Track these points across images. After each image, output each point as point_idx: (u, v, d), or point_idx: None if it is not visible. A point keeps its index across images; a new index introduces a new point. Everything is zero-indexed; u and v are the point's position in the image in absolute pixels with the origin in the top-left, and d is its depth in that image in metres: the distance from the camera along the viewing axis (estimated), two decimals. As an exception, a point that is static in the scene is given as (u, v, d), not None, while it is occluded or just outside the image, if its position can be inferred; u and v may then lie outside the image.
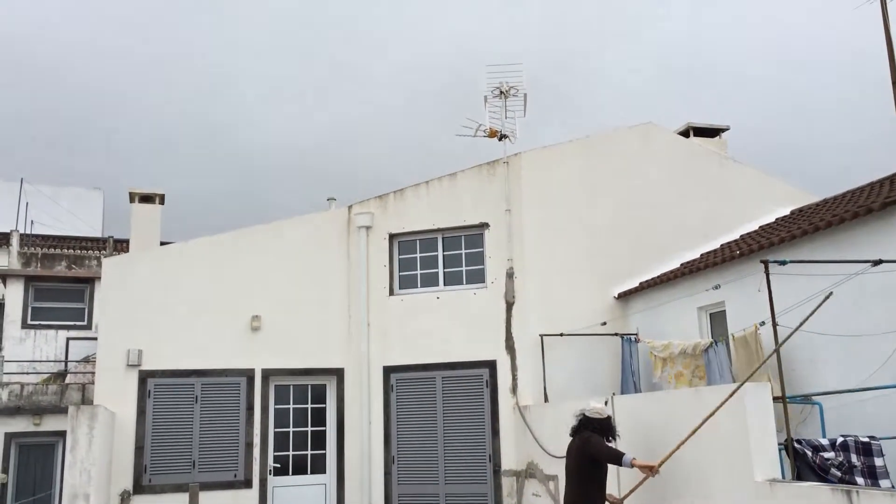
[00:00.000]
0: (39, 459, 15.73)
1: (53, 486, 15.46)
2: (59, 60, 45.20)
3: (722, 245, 11.80)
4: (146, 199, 15.75)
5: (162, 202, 15.80)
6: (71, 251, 19.79)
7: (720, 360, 9.25)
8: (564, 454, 9.54)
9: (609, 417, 7.74)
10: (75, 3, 46.38)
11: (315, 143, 47.15)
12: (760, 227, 11.96)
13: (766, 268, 7.44)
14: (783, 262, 7.74)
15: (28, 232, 20.90)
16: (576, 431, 7.75)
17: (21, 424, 15.42)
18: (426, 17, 49.49)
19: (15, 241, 19.74)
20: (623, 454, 7.31)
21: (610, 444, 7.58)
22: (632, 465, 7.18)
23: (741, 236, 11.85)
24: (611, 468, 7.83)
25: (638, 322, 11.62)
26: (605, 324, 11.67)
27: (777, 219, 11.94)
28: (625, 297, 11.90)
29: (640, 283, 11.63)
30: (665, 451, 7.51)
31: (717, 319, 10.33)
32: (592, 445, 7.48)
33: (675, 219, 12.32)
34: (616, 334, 11.55)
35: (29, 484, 15.56)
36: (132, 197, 15.83)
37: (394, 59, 48.86)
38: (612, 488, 7.97)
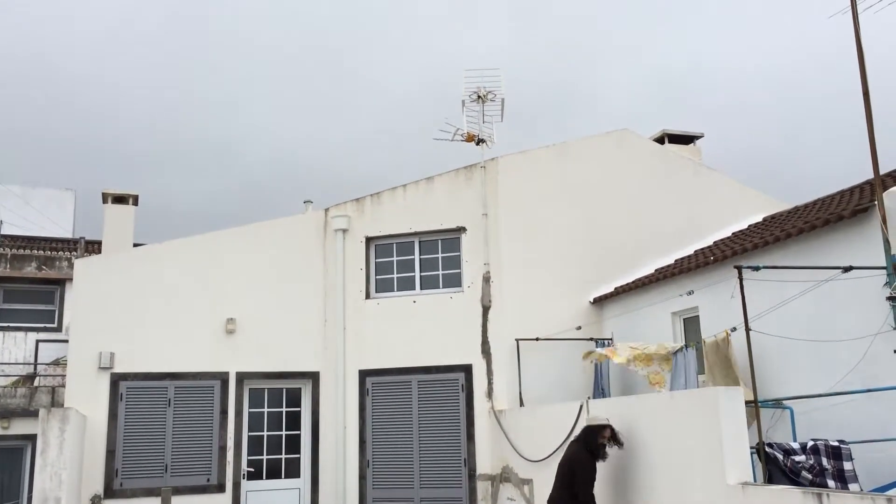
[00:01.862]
0: (7, 464, 15.44)
1: (22, 491, 15.20)
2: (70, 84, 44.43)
3: (696, 251, 11.93)
4: (119, 199, 15.55)
5: (135, 203, 15.61)
6: (41, 252, 19.48)
7: (688, 365, 9.34)
8: (539, 458, 9.61)
9: (602, 426, 7.73)
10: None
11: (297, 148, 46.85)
12: (734, 233, 12.12)
13: (740, 273, 7.54)
14: (756, 268, 7.85)
15: (-2, 233, 20.55)
16: (578, 438, 7.92)
17: (-12, 428, 15.13)
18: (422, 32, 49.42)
19: (-17, 241, 19.37)
20: (588, 497, 7.55)
21: (593, 470, 7.67)
22: None
23: (715, 242, 11.99)
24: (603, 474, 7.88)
25: (613, 327, 11.71)
26: (580, 328, 11.74)
27: (750, 225, 12.10)
28: (600, 302, 11.99)
29: (616, 289, 11.72)
30: (641, 454, 7.58)
31: (691, 324, 10.44)
32: (577, 463, 7.65)
33: (650, 224, 12.44)
34: (591, 339, 11.62)
35: (-5, 489, 15.27)
36: (105, 198, 15.62)
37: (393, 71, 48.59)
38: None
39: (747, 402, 6.82)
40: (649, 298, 11.02)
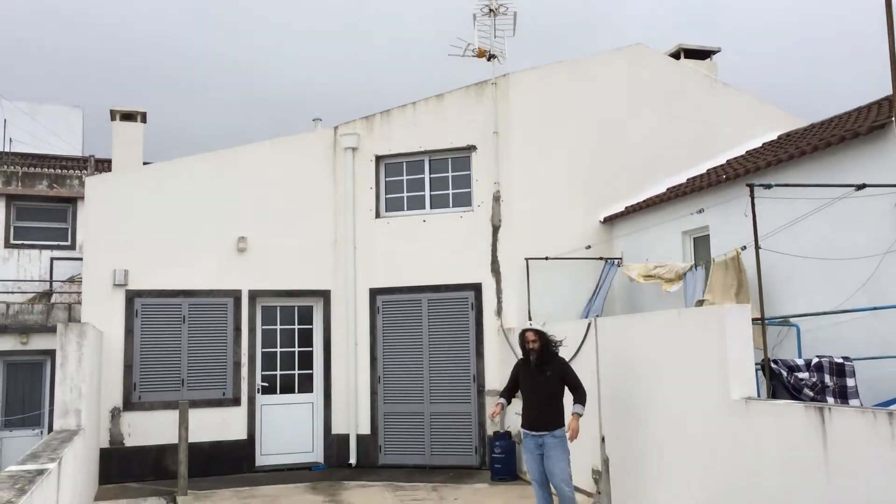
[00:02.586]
0: (28, 378, 15.89)
1: (43, 403, 15.67)
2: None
3: (708, 170, 11.81)
4: (127, 116, 15.46)
5: (144, 120, 15.51)
6: (52, 170, 19.49)
7: (696, 284, 9.38)
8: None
9: (524, 331, 7.64)
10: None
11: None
12: (747, 151, 11.96)
13: (752, 192, 7.48)
14: (768, 186, 7.78)
15: (7, 150, 20.53)
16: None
17: (8, 343, 15.52)
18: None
19: (-6, 160, 19.37)
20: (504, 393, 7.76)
21: (515, 373, 7.77)
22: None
23: (727, 161, 11.85)
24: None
25: (623, 246, 11.72)
26: (590, 247, 11.76)
27: (764, 143, 11.93)
28: (610, 221, 11.96)
29: (626, 208, 11.68)
30: (646, 373, 7.69)
31: (701, 244, 10.43)
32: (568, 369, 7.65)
33: (663, 142, 12.29)
34: (600, 258, 11.65)
35: (18, 401, 15.76)
36: (113, 115, 15.53)
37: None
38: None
39: (754, 320, 6.87)
40: (660, 217, 10.98)
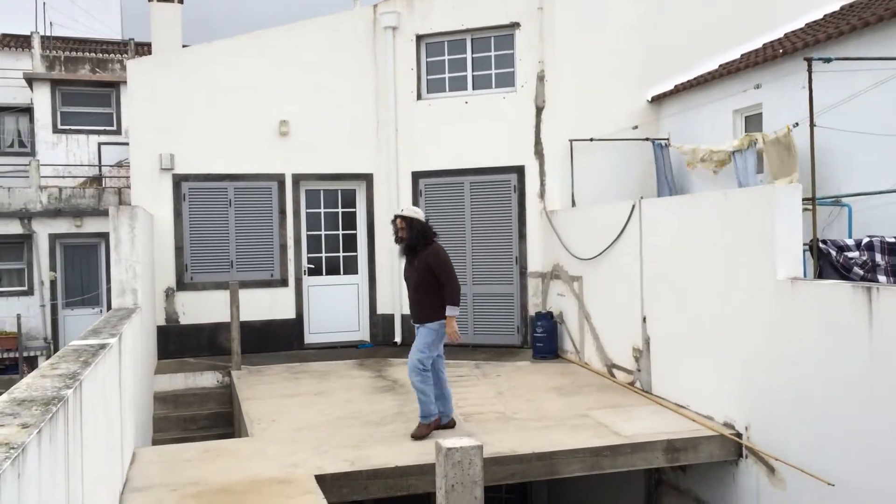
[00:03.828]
0: (83, 259, 16.49)
1: (100, 284, 16.31)
2: None
3: (764, 44, 11.27)
4: (164, -2, 15.17)
5: (181, 1, 15.24)
6: (93, 54, 19.48)
7: (748, 164, 9.15)
8: (589, 256, 9.80)
9: (394, 217, 7.16)
10: None
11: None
12: (807, 24, 11.34)
13: (809, 66, 7.15)
14: (828, 60, 7.42)
15: (48, 34, 20.49)
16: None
17: (63, 226, 16.05)
18: None
19: (36, 43, 19.41)
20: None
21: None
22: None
23: (785, 34, 11.28)
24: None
25: (670, 126, 11.42)
26: (636, 128, 11.49)
27: (825, 15, 11.28)
28: (658, 100, 11.61)
29: (675, 86, 11.29)
30: (690, 255, 7.65)
31: (752, 122, 10.10)
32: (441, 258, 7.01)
33: (715, 16, 11.69)
34: (647, 139, 11.39)
35: (76, 282, 16.45)
36: (150, -4, 15.27)
37: None
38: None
39: (804, 200, 6.72)
40: (710, 95, 10.62)
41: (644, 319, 8.50)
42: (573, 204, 11.25)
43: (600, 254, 9.51)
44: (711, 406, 7.31)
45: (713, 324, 7.28)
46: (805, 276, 6.57)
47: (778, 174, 8.56)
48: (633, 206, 8.82)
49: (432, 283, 6.83)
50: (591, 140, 11.25)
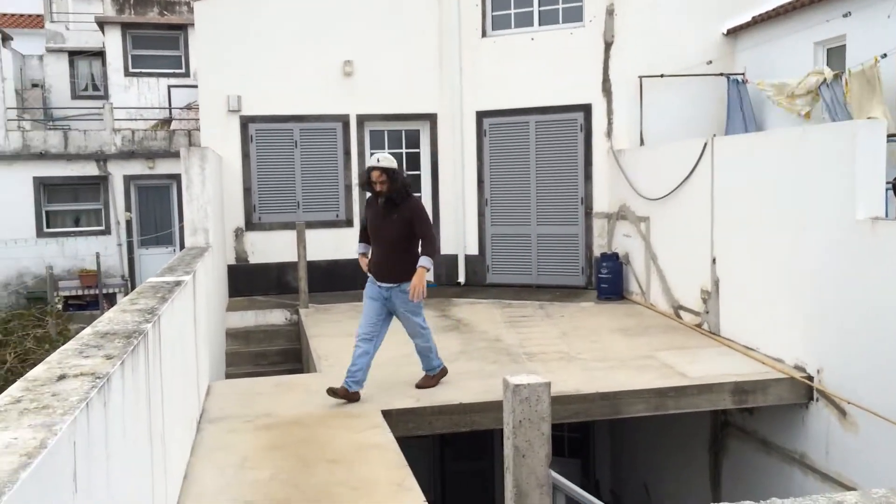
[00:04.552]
0: (156, 200, 16.99)
1: (173, 224, 16.80)
2: None
3: (849, -28, 10.62)
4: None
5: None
6: (160, -3, 19.69)
7: (836, 99, 8.72)
8: (657, 196, 9.59)
9: (369, 169, 6.44)
10: None
11: None
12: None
13: (900, -6, 6.71)
14: (920, -13, 6.95)
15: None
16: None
17: (136, 168, 16.51)
18: None
19: (106, -13, 19.70)
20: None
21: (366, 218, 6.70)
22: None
23: (873, -39, 10.60)
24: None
25: (746, 61, 10.94)
26: (710, 63, 11.05)
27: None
28: (734, 33, 11.11)
29: (753, 17, 10.76)
30: (764, 194, 7.41)
31: (834, 56, 9.60)
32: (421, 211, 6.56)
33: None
34: (721, 74, 10.96)
35: (150, 222, 16.98)
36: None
37: None
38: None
39: (889, 136, 6.40)
40: (791, 27, 10.10)
41: (714, 261, 8.33)
42: (641, 143, 10.98)
43: (669, 193, 9.29)
44: (782, 348, 7.16)
45: (787, 265, 7.07)
46: (887, 215, 6.31)
47: (861, 109, 8.15)
48: (705, 145, 8.56)
49: (411, 237, 6.38)
50: (662, 76, 10.89)
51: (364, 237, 6.78)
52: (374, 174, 6.32)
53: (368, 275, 6.54)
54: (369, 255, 6.67)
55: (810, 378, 6.73)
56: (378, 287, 6.45)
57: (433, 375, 6.76)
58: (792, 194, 6.98)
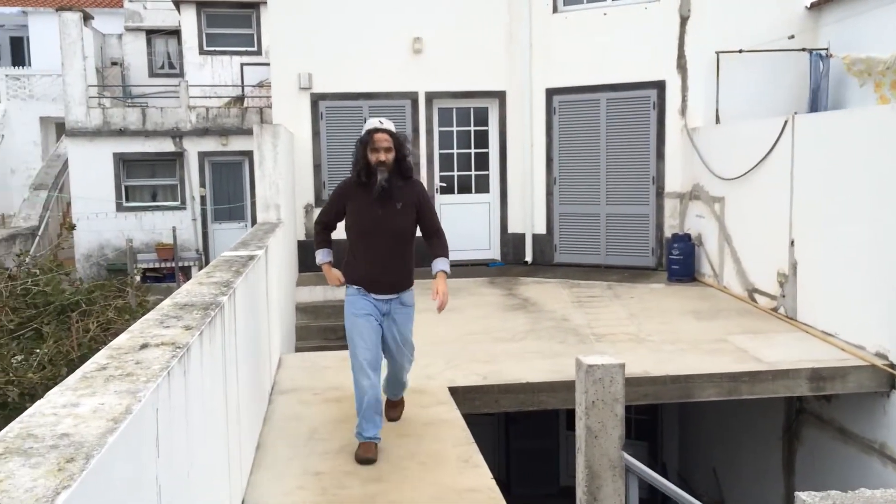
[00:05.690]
0: (229, 176, 17.35)
1: (245, 198, 17.15)
2: None
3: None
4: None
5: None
6: (235, -24, 20.00)
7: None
8: (733, 176, 9.30)
9: (370, 131, 4.87)
10: None
11: None
12: None
13: None
14: None
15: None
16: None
17: (210, 144, 16.87)
18: None
19: (182, -33, 20.08)
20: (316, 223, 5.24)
21: (335, 198, 5.22)
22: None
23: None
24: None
25: (830, 35, 10.47)
26: (792, 37, 10.61)
27: None
28: (818, 6, 10.64)
29: (839, -10, 10.30)
30: (847, 175, 7.11)
31: (928, 29, 9.11)
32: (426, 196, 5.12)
33: None
34: (804, 49, 10.52)
35: (224, 197, 17.36)
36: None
37: None
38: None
39: None
40: None
41: (792, 243, 8.05)
42: (717, 120, 10.66)
43: (746, 173, 9.01)
44: (863, 335, 6.89)
45: (869, 248, 6.78)
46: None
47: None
48: (786, 123, 8.25)
49: (413, 230, 4.99)
50: (741, 52, 10.53)
51: (325, 240, 5.23)
52: (380, 137, 4.76)
53: (347, 286, 4.98)
54: (333, 263, 5.21)
55: (893, 366, 6.47)
56: (374, 301, 4.89)
57: (402, 398, 5.44)
58: (878, 175, 6.67)
